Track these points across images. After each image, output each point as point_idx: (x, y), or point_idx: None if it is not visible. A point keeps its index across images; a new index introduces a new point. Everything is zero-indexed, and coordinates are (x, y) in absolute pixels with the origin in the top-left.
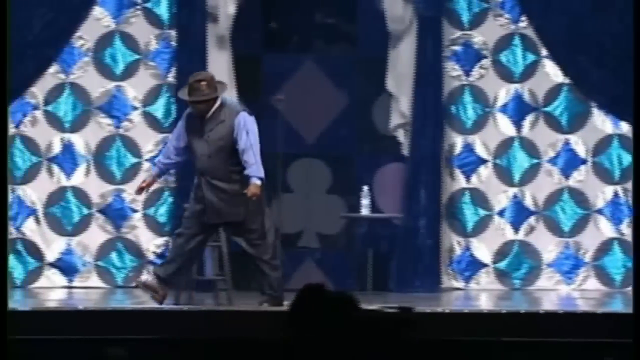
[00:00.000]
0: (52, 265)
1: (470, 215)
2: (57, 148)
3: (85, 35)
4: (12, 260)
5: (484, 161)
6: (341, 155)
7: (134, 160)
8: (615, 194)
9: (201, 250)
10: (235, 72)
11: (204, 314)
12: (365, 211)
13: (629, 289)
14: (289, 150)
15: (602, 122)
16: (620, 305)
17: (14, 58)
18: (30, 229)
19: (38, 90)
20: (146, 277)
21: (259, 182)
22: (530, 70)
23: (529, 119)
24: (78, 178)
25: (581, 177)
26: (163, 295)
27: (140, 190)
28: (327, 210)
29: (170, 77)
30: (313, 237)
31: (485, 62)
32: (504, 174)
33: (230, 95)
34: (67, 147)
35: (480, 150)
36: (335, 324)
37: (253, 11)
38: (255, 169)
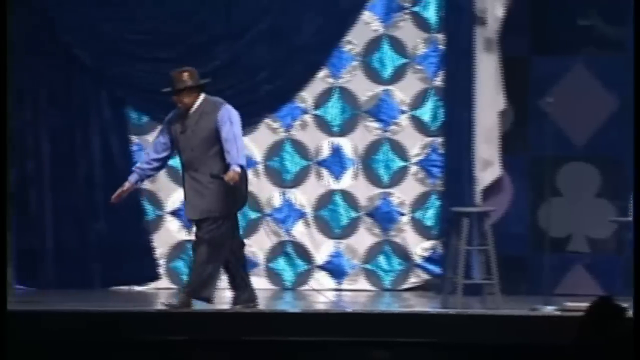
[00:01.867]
0: (321, 267)
1: None
2: (325, 151)
3: (354, 40)
4: (282, 262)
5: None
6: (611, 159)
7: (401, 163)
8: None
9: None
10: (503, 75)
11: (471, 318)
12: None
13: None
14: (558, 153)
15: None
16: None
17: (284, 62)
18: (299, 231)
19: (308, 94)
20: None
21: (238, 169)
22: None
23: None
24: (346, 181)
25: None
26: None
27: (118, 197)
28: (597, 214)
29: (438, 81)
30: (582, 241)
31: None
32: None
33: (497, 97)
34: (336, 151)
35: None
36: (622, 333)
37: (521, 14)
38: (235, 157)
